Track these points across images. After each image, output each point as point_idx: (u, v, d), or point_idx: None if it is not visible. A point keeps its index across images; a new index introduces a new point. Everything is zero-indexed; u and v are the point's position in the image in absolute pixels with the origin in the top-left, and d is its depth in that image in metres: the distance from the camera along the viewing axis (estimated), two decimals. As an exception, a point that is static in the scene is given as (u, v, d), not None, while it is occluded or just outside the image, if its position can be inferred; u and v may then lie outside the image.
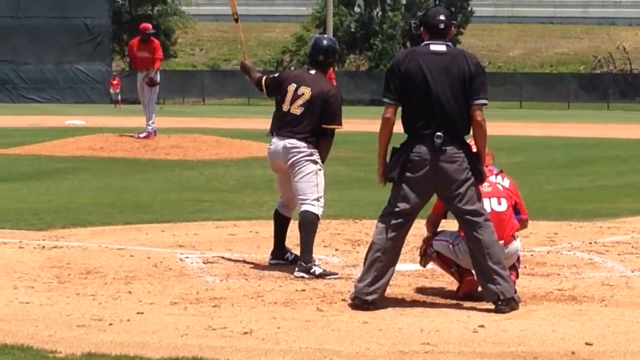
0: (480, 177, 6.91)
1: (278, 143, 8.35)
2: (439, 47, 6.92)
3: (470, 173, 6.84)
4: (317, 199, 8.24)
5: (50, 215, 11.36)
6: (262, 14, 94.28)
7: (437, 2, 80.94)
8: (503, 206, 7.23)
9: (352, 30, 77.73)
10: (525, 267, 8.12)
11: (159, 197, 13.55)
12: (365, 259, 6.98)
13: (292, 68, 31.03)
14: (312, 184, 8.25)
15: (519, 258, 7.48)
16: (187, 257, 8.82)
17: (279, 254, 8.57)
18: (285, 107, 8.41)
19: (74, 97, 62.12)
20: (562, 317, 6.69)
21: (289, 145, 8.28)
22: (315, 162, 8.28)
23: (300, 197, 8.28)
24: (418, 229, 10.43)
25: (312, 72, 8.46)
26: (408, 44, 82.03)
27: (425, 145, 6.78)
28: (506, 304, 6.81)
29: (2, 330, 6.20)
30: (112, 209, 12.11)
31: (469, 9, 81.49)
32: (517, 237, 7.34)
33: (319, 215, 8.28)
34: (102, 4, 64.33)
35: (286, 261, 8.50)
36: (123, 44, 77.65)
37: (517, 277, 7.36)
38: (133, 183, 15.39)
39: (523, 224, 7.48)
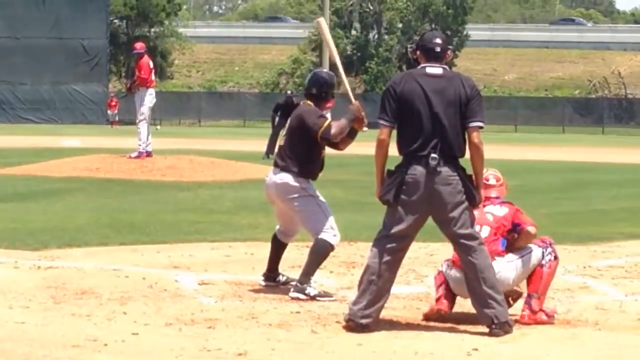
0: (474, 201, 6.93)
1: (271, 177, 8.37)
2: (435, 69, 6.95)
3: (464, 196, 6.87)
4: (331, 227, 8.20)
5: (45, 236, 11.37)
6: (258, 36, 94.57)
7: (433, 26, 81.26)
8: (483, 233, 7.22)
9: (348, 53, 77.89)
10: (519, 287, 8.14)
11: (155, 218, 13.57)
12: (360, 282, 7.00)
13: (289, 92, 31.00)
14: (317, 217, 8.21)
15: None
16: (182, 278, 8.83)
17: (272, 276, 8.60)
18: (281, 141, 8.51)
19: (71, 118, 62.15)
20: (556, 341, 6.71)
21: (279, 182, 8.27)
22: (309, 195, 8.23)
23: (312, 233, 8.25)
24: (414, 252, 10.46)
25: (302, 103, 8.52)
26: (404, 67, 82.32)
27: (420, 166, 6.79)
28: (500, 327, 6.83)
29: (-3, 350, 6.21)
30: (108, 230, 12.13)
31: (465, 32, 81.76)
32: (509, 259, 7.29)
33: (334, 245, 8.22)
34: (99, 25, 64.46)
35: (277, 283, 8.54)
36: (120, 65, 77.86)
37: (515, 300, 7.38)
38: (129, 204, 15.40)
39: (526, 235, 7.38)
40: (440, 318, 7.21)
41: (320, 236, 8.18)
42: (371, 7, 79.97)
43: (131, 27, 78.33)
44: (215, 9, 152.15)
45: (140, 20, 77.69)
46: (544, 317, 7.26)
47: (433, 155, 6.76)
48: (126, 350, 6.27)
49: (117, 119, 58.65)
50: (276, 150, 8.62)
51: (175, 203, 15.77)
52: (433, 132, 6.80)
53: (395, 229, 6.88)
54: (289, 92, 31.49)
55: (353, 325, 6.86)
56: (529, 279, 7.35)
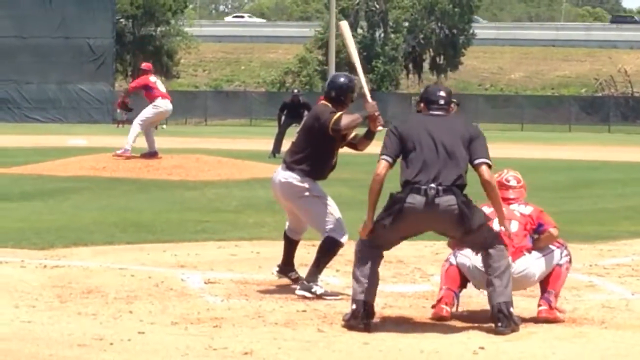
0: (469, 230, 6.86)
1: (277, 175, 8.33)
2: (439, 112, 7.09)
3: (467, 226, 6.85)
4: (339, 226, 8.16)
5: (52, 235, 11.38)
6: (265, 35, 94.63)
7: (439, 24, 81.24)
8: (512, 227, 7.26)
9: (355, 51, 77.86)
10: (525, 289, 8.14)
11: (161, 217, 13.58)
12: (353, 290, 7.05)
13: (296, 91, 30.83)
14: (323, 215, 8.19)
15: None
16: (188, 277, 8.83)
17: (286, 269, 8.60)
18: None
19: (77, 117, 62.20)
20: (562, 340, 6.70)
21: (283, 181, 8.24)
22: (314, 196, 8.19)
23: (320, 231, 8.24)
24: (419, 250, 10.45)
25: (320, 103, 8.51)
26: (410, 66, 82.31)
27: (419, 195, 6.79)
28: (506, 325, 6.83)
29: (3, 349, 6.21)
30: (114, 229, 12.14)
31: (471, 31, 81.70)
32: (537, 256, 7.32)
33: (343, 243, 8.18)
34: (105, 24, 64.51)
35: (288, 278, 8.54)
36: (126, 64, 77.95)
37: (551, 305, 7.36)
38: (135, 203, 15.42)
39: (548, 237, 7.41)
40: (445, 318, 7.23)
41: (328, 234, 8.18)
42: (377, 6, 79.96)
43: (137, 27, 78.41)
44: (222, 8, 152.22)
45: (147, 19, 77.78)
46: (559, 315, 7.29)
47: (432, 185, 6.78)
48: (132, 349, 6.27)
49: (125, 118, 58.46)
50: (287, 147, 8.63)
51: (182, 202, 15.78)
52: (434, 164, 6.84)
53: (380, 242, 6.96)
54: (295, 90, 31.35)
55: (354, 323, 6.86)
56: (547, 277, 7.38)
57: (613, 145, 42.43)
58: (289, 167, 8.27)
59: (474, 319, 7.20)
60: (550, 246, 7.43)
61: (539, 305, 7.31)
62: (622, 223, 13.80)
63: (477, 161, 6.91)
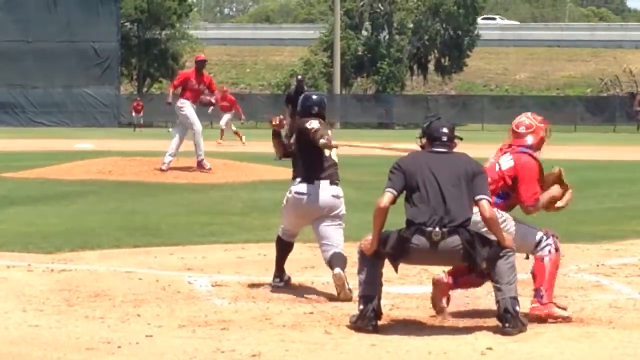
0: (476, 267, 6.93)
1: (324, 190, 8.31)
2: (441, 148, 7.11)
3: (472, 262, 6.89)
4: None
5: (59, 239, 11.40)
6: (270, 38, 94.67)
7: (444, 25, 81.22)
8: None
9: (359, 53, 77.94)
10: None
11: (168, 220, 13.59)
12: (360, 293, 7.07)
13: (300, 77, 30.03)
14: (341, 233, 8.41)
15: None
16: (195, 280, 8.84)
17: (283, 276, 8.64)
18: (326, 152, 8.42)
19: (83, 121, 62.26)
20: (570, 340, 6.70)
21: (336, 193, 8.36)
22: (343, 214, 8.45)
23: (333, 243, 8.31)
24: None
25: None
26: (415, 67, 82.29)
27: (424, 237, 6.83)
28: (513, 325, 6.83)
29: (12, 353, 6.23)
30: (121, 232, 12.15)
31: (476, 32, 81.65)
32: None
33: None
34: (111, 27, 64.60)
35: (285, 283, 8.58)
36: (131, 68, 78.02)
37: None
38: (141, 206, 15.43)
39: (523, 208, 7.42)
40: (452, 315, 7.23)
41: (336, 251, 8.24)
42: (382, 8, 79.96)
43: (142, 30, 78.49)
44: (226, 11, 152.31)
45: (151, 22, 77.84)
46: (556, 309, 7.23)
47: (437, 230, 6.81)
48: (140, 352, 6.28)
49: (142, 122, 58.19)
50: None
51: (188, 205, 15.79)
52: (438, 205, 6.86)
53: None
54: (299, 77, 30.54)
55: (361, 324, 6.88)
56: (533, 276, 7.33)
57: (618, 145, 42.38)
58: (334, 182, 8.37)
59: (481, 319, 7.20)
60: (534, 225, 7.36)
61: (531, 303, 7.28)
62: (628, 223, 13.79)
63: (477, 197, 6.95)
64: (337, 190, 8.37)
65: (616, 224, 13.64)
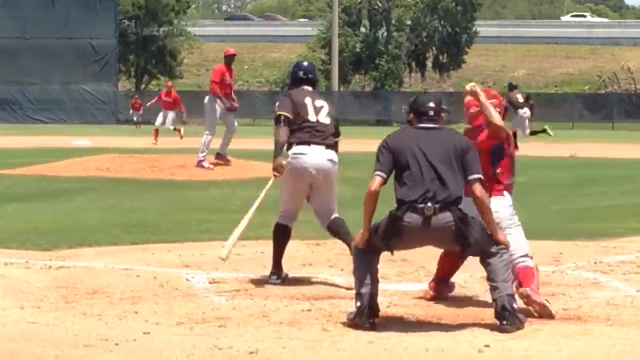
0: (467, 246, 6.92)
1: (319, 155, 8.47)
2: (429, 124, 7.12)
3: (464, 241, 6.89)
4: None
5: (56, 236, 11.40)
6: (268, 34, 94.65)
7: (442, 22, 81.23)
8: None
9: (358, 50, 77.91)
10: (530, 288, 8.13)
11: (165, 217, 13.59)
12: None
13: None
14: (335, 198, 8.68)
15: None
16: (193, 277, 8.85)
17: (280, 273, 8.64)
18: (312, 118, 8.54)
19: (80, 118, 62.25)
20: (567, 337, 6.70)
21: (332, 157, 8.53)
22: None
23: (331, 211, 8.59)
24: (425, 249, 10.43)
25: (309, 89, 8.67)
26: (413, 64, 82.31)
27: (416, 214, 6.83)
28: (511, 323, 6.84)
29: (9, 350, 6.23)
30: (119, 229, 12.15)
31: (474, 29, 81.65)
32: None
33: None
34: (109, 24, 64.59)
35: (282, 280, 8.60)
36: (129, 64, 77.98)
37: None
38: (139, 203, 15.43)
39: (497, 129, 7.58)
40: (449, 313, 7.25)
41: (336, 215, 8.54)
42: (380, 4, 79.95)
43: (140, 27, 78.47)
44: (224, 7, 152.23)
45: (149, 19, 77.82)
46: (537, 297, 7.25)
47: (429, 205, 6.81)
48: (137, 349, 6.28)
49: (141, 119, 58.04)
50: (315, 123, 8.58)
51: (186, 202, 15.79)
52: (429, 182, 6.87)
53: (380, 249, 7.02)
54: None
55: (359, 322, 6.87)
56: (517, 278, 7.34)
57: (616, 142, 42.40)
58: (330, 146, 8.54)
59: (479, 317, 7.20)
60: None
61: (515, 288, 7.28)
62: (626, 220, 13.80)
63: (470, 177, 6.97)
64: (332, 154, 8.54)
65: (614, 221, 13.64)
